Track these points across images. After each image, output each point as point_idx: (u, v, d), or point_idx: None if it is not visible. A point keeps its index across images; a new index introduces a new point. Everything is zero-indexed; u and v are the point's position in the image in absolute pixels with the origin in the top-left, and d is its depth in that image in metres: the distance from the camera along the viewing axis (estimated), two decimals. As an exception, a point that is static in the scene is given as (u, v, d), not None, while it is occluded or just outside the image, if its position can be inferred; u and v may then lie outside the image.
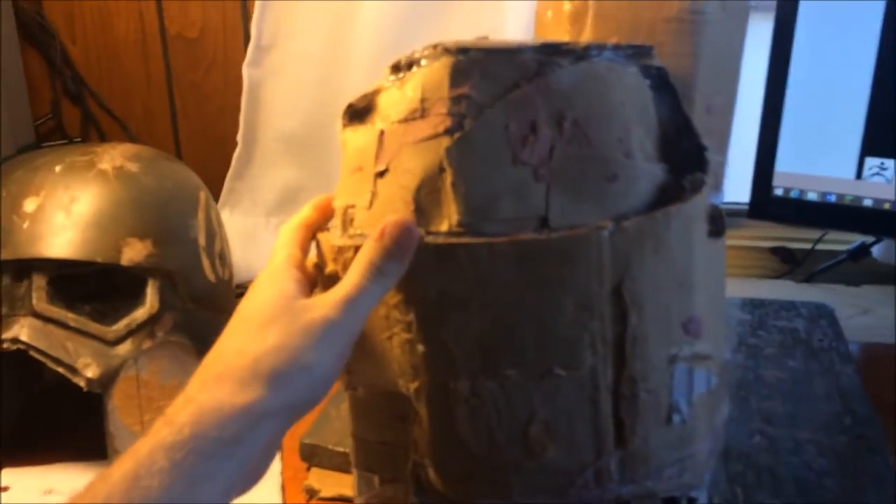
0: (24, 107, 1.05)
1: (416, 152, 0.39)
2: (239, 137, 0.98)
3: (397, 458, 0.43)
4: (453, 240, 0.38)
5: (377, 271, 0.38)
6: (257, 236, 1.00)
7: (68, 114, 1.08)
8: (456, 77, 0.39)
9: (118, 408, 0.59)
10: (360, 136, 0.42)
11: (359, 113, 0.43)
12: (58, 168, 0.61)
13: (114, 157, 0.63)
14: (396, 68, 0.42)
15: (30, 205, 0.59)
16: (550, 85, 0.39)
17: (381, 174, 0.41)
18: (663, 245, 0.39)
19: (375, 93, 0.43)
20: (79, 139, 1.08)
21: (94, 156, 0.63)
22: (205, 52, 1.03)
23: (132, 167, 0.63)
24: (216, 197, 1.00)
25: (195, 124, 1.07)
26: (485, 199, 0.38)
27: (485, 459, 0.40)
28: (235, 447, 0.35)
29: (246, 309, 0.39)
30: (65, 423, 0.67)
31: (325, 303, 0.37)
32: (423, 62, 0.40)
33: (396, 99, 0.41)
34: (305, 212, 0.44)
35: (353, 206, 0.42)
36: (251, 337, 0.37)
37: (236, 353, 0.36)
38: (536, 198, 0.38)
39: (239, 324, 0.38)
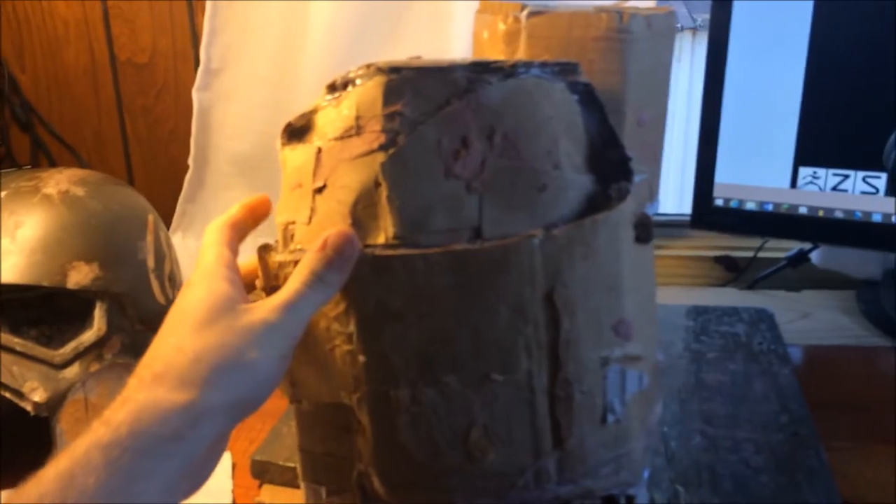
0: (-28, 135, 1.05)
1: (353, 168, 0.40)
2: (190, 160, 0.99)
3: (343, 469, 0.44)
4: (389, 252, 0.39)
5: (318, 279, 0.38)
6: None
7: (18, 141, 1.08)
8: (389, 95, 0.40)
9: (66, 431, 0.59)
10: (299, 154, 0.43)
11: (297, 132, 0.44)
12: (2, 194, 0.61)
13: (59, 181, 0.64)
14: (332, 88, 0.43)
15: (-27, 231, 0.59)
16: (480, 101, 0.40)
17: (319, 190, 0.42)
18: (592, 251, 0.40)
19: (313, 112, 0.44)
20: (28, 166, 1.08)
21: (40, 181, 0.63)
22: (155, 78, 1.04)
23: (78, 191, 0.64)
24: (169, 220, 1.00)
25: (147, 149, 1.07)
26: (419, 212, 0.39)
27: (427, 466, 0.41)
28: (176, 445, 0.34)
29: (182, 308, 0.38)
30: (14, 448, 0.67)
31: (265, 307, 0.38)
32: (358, 81, 0.42)
33: (333, 117, 0.42)
34: (232, 210, 0.44)
35: (293, 223, 0.43)
36: (190, 335, 0.37)
37: (175, 351, 0.36)
38: (469, 209, 0.40)
39: (176, 323, 0.38)
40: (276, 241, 0.45)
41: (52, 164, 1.08)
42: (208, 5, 0.93)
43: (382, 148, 0.40)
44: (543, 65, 0.43)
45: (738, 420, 0.62)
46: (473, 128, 0.40)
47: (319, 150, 0.42)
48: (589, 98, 0.44)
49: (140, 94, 1.05)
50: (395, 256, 0.39)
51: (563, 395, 0.40)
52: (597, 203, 0.42)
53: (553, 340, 0.40)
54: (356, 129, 0.41)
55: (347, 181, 0.41)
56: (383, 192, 0.40)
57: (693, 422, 0.62)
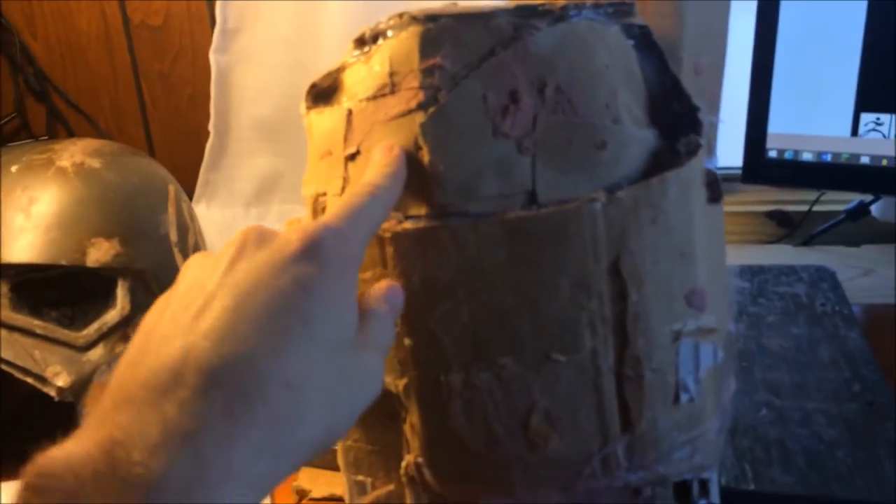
0: (-14, 107, 1.01)
1: (389, 131, 0.36)
2: (211, 127, 0.95)
3: (389, 461, 0.41)
4: (435, 223, 0.36)
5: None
6: (236, 228, 0.95)
7: (33, 112, 1.05)
8: (426, 47, 0.36)
9: (93, 417, 0.56)
10: (327, 118, 0.39)
11: (323, 93, 0.40)
12: (14, 168, 0.58)
13: (73, 153, 0.60)
14: (361, 42, 0.39)
15: (-15, 208, 0.56)
16: (529, 49, 0.36)
17: (351, 157, 0.38)
18: (661, 214, 0.36)
19: (340, 70, 0.39)
20: (45, 137, 1.05)
21: (53, 153, 0.60)
22: (170, 41, 1.00)
23: (94, 163, 0.60)
24: (191, 189, 0.97)
25: (166, 116, 1.03)
26: (466, 177, 0.36)
27: (484, 456, 0.38)
28: None
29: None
30: (42, 434, 0.64)
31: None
32: (390, 33, 0.37)
33: (363, 75, 0.38)
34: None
35: (323, 194, 0.39)
36: None
37: None
38: (522, 172, 0.36)
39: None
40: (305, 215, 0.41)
41: (71, 134, 1.05)
42: (222, -39, 0.88)
43: (421, 107, 0.36)
44: (596, 6, 0.39)
45: (806, 389, 0.58)
46: (522, 80, 0.36)
47: (350, 113, 0.38)
48: (646, 42, 0.40)
49: (156, 58, 1.01)
50: (442, 227, 0.35)
51: (633, 375, 0.37)
52: (663, 160, 0.38)
53: (620, 315, 0.36)
54: (391, 87, 0.37)
55: None
56: (425, 156, 0.36)
57: (757, 392, 0.58)
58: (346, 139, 0.38)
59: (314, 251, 0.30)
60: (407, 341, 0.37)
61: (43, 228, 0.56)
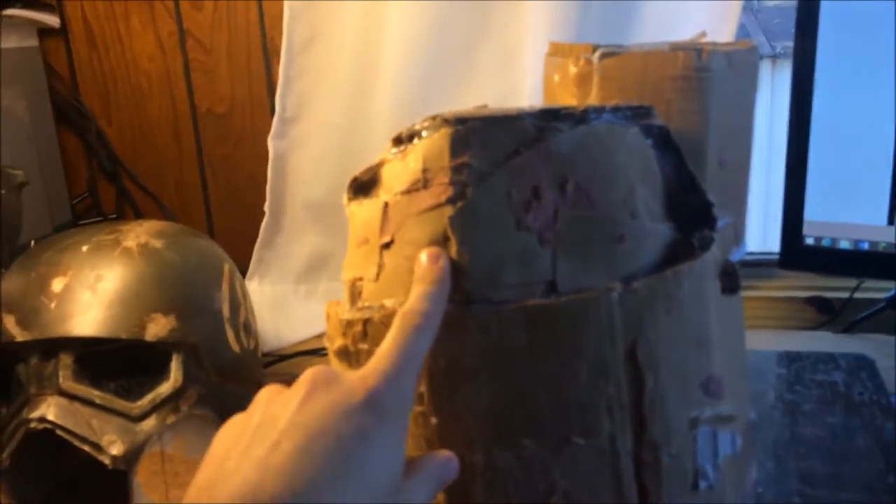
0: (61, 186, 1.09)
1: (420, 223, 0.39)
2: (266, 207, 1.00)
3: None
4: (461, 309, 0.38)
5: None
6: (287, 304, 1.00)
7: (104, 191, 1.12)
8: (456, 146, 0.39)
9: (143, 484, 0.59)
10: (366, 209, 0.43)
11: (363, 186, 0.44)
12: (84, 248, 0.63)
13: (139, 234, 0.65)
14: (398, 141, 0.42)
15: (57, 285, 0.60)
16: (551, 149, 0.39)
17: (386, 246, 0.41)
18: (676, 304, 0.38)
19: (379, 165, 0.43)
20: (114, 215, 1.11)
21: (120, 234, 0.65)
22: (233, 127, 1.06)
23: (156, 243, 0.65)
24: (246, 265, 1.02)
25: (225, 196, 1.09)
26: (491, 267, 0.38)
27: None
28: None
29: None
30: (96, 499, 0.67)
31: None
32: (424, 133, 0.41)
33: (399, 171, 0.41)
34: None
35: (360, 279, 0.42)
36: None
37: None
38: (543, 263, 0.38)
39: None
40: (343, 299, 0.44)
41: (137, 212, 1.12)
42: (283, 55, 0.95)
43: (450, 201, 0.39)
44: (616, 109, 0.42)
45: (840, 480, 0.57)
46: (544, 177, 0.39)
47: (386, 205, 0.41)
48: (664, 141, 0.43)
49: (219, 142, 1.08)
50: (467, 313, 0.38)
51: (651, 460, 0.38)
52: (679, 253, 0.40)
53: (637, 400, 0.38)
54: (423, 183, 0.40)
55: (415, 236, 0.40)
56: (452, 246, 0.38)
57: (790, 482, 0.57)
58: (381, 229, 0.41)
59: (374, 404, 0.34)
60: (433, 420, 0.39)
61: (107, 304, 0.60)
